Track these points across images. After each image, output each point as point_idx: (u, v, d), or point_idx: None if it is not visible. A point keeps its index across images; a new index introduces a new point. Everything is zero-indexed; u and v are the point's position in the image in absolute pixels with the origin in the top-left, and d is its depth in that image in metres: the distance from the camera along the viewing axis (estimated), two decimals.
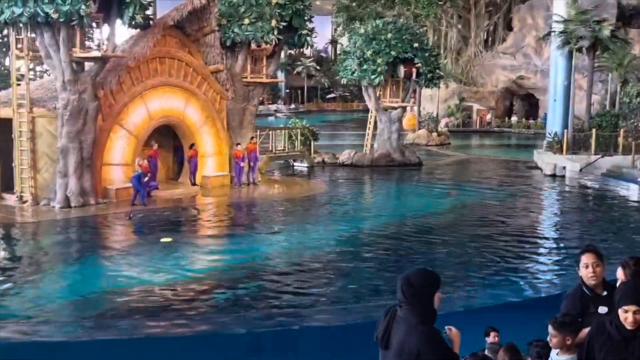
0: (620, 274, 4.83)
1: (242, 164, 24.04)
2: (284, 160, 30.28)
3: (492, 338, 7.39)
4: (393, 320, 4.16)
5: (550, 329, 4.82)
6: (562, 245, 16.39)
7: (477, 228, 17.91)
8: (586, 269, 4.91)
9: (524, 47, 54.65)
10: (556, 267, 14.15)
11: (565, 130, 30.98)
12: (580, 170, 27.68)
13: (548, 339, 4.90)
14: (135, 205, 19.57)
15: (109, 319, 10.74)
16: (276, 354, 9.58)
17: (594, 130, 30.11)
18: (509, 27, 57.90)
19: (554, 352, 4.89)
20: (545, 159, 29.67)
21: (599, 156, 28.57)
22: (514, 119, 55.45)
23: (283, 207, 21.08)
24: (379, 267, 13.93)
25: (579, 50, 31.19)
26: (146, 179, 20.19)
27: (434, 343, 4.00)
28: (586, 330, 4.57)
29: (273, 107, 75.39)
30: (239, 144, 24.09)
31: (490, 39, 59.73)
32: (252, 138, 24.95)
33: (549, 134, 32.59)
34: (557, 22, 32.49)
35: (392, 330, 4.13)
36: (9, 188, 20.09)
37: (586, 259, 4.94)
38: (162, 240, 15.40)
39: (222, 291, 12.21)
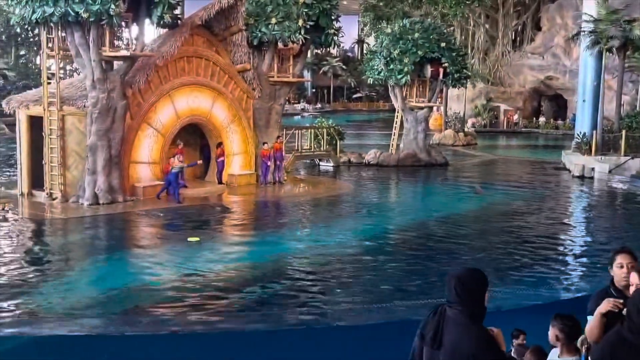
0: (634, 279, 4.70)
1: (268, 163, 24.14)
2: (310, 159, 30.32)
3: (519, 340, 7.34)
4: (443, 319, 4.12)
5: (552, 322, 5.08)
6: (590, 247, 16.20)
7: (504, 229, 17.77)
8: (620, 269, 4.83)
9: (552, 47, 54.06)
10: (585, 269, 14.00)
11: (594, 131, 30.60)
12: (610, 171, 27.31)
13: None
14: (161, 198, 19.86)
15: (135, 315, 10.85)
16: (300, 352, 9.61)
17: (623, 132, 29.69)
18: (537, 27, 57.29)
19: (555, 354, 4.88)
20: (573, 160, 29.33)
21: (629, 158, 28.16)
22: (541, 119, 54.88)
23: (308, 206, 21.12)
24: (406, 267, 13.89)
25: (609, 50, 30.77)
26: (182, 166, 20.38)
27: (489, 347, 4.00)
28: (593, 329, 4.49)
29: (299, 106, 75.51)
30: (265, 143, 24.17)
31: (518, 38, 59.15)
32: (278, 137, 25.03)
33: (578, 135, 32.22)
34: (586, 21, 32.09)
35: (444, 330, 4.09)
36: (39, 185, 20.40)
37: (621, 259, 4.86)
38: (190, 239, 15.51)
39: (248, 289, 12.26)
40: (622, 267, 4.81)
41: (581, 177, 27.40)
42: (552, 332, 5.07)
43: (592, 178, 27.19)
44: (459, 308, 4.05)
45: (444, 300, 4.16)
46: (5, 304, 11.05)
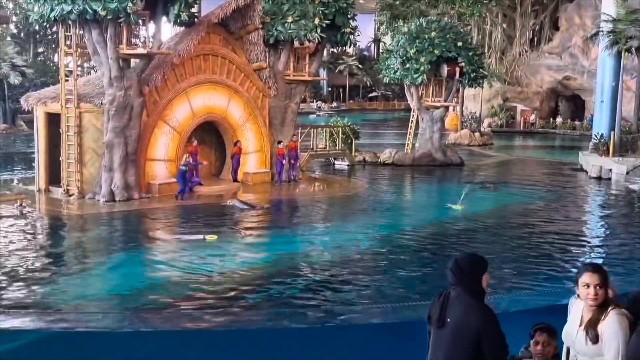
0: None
1: (283, 162, 24.18)
2: (325, 158, 30.31)
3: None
4: (447, 301, 4.52)
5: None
6: (606, 249, 16.06)
7: (520, 230, 17.67)
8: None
9: (570, 47, 53.65)
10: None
11: (612, 132, 30.34)
12: (627, 173, 27.05)
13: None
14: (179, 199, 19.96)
15: (149, 312, 10.91)
16: (312, 351, 9.61)
17: None
18: (555, 27, 56.88)
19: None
20: (590, 161, 29.09)
21: None
22: (558, 120, 54.50)
23: (322, 205, 21.12)
24: (420, 267, 13.85)
25: (628, 50, 30.50)
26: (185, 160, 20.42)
27: (493, 321, 4.34)
28: None
29: (315, 105, 75.54)
30: (280, 141, 24.20)
31: (535, 38, 58.75)
32: (293, 136, 25.04)
33: (595, 136, 31.96)
34: (605, 21, 31.83)
35: (448, 310, 4.47)
36: (56, 181, 20.56)
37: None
38: (207, 238, 15.49)
39: (261, 288, 12.28)
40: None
41: (598, 179, 27.17)
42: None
43: (609, 179, 26.96)
44: (459, 289, 4.45)
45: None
46: (20, 299, 11.15)
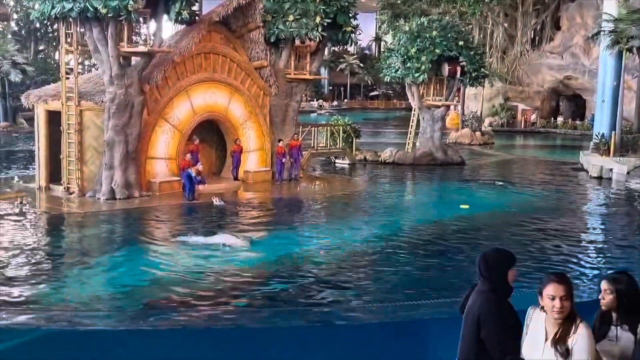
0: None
1: (283, 160, 24.17)
2: (326, 157, 30.31)
3: None
4: (472, 291, 4.80)
5: None
6: (605, 250, 16.04)
7: (519, 229, 17.64)
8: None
9: (572, 47, 53.64)
10: (597, 272, 13.85)
11: (613, 132, 30.32)
12: (628, 173, 27.03)
13: None
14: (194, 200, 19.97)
15: (150, 310, 10.91)
16: (311, 350, 9.60)
17: None
18: (556, 26, 56.88)
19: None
20: (591, 161, 29.07)
21: None
22: (559, 119, 54.51)
23: (324, 204, 21.11)
24: (420, 266, 13.84)
25: (629, 50, 30.47)
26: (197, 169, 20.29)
27: (495, 309, 4.45)
28: None
29: (316, 103, 75.53)
30: (281, 140, 24.20)
31: (537, 37, 58.78)
32: (295, 134, 25.03)
33: (596, 136, 31.94)
34: (606, 21, 31.80)
35: (470, 299, 4.74)
36: (57, 179, 20.56)
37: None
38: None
39: (262, 286, 12.28)
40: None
41: (599, 178, 27.17)
42: None
43: (610, 179, 26.96)
44: (484, 282, 4.65)
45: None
46: (21, 297, 11.15)
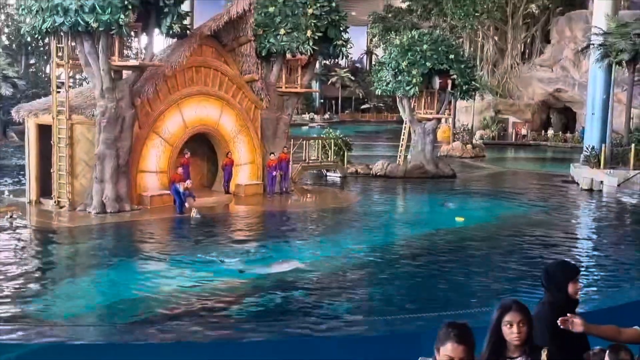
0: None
1: (274, 173, 24.16)
2: (317, 170, 30.32)
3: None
4: None
5: None
6: (595, 262, 16.07)
7: (510, 242, 17.66)
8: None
9: (561, 60, 54.04)
10: (584, 284, 13.87)
11: (603, 145, 30.46)
12: (618, 185, 27.18)
13: None
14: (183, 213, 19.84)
15: (140, 324, 10.83)
16: None
17: (632, 145, 29.55)
18: (546, 40, 57.33)
19: None
20: (582, 173, 29.20)
21: (638, 172, 28.01)
22: (550, 132, 54.78)
23: (315, 217, 21.08)
24: (410, 279, 13.82)
25: (619, 63, 30.68)
26: (185, 186, 20.18)
27: (541, 319, 4.41)
28: None
29: (307, 117, 75.65)
30: (272, 153, 24.19)
31: (527, 51, 59.22)
32: (284, 147, 25.04)
33: (587, 148, 32.08)
34: (596, 34, 32.04)
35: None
36: (47, 193, 20.47)
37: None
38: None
39: (254, 299, 12.22)
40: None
41: (590, 191, 27.29)
42: None
43: (600, 191, 27.08)
44: (545, 292, 4.71)
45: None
46: (10, 312, 11.06)
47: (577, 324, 4.35)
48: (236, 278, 13.63)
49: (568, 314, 4.40)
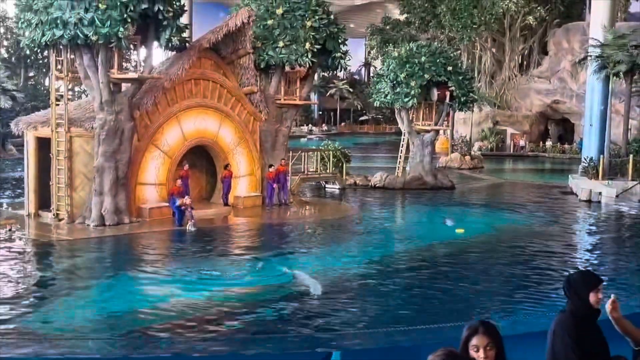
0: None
1: (273, 185, 24.18)
2: (316, 182, 30.33)
3: None
4: None
5: None
6: (597, 271, 16.04)
7: (509, 254, 17.66)
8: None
9: (559, 71, 54.20)
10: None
11: (602, 156, 30.54)
12: (617, 196, 27.21)
13: None
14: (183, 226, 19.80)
15: (139, 337, 10.80)
16: None
17: (630, 156, 29.63)
18: (544, 51, 57.52)
19: None
20: (580, 185, 29.24)
21: (636, 182, 28.06)
22: (548, 143, 54.88)
23: (314, 229, 21.07)
24: (409, 292, 13.80)
25: (616, 74, 30.81)
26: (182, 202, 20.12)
27: (566, 327, 4.59)
28: None
29: (306, 128, 75.77)
30: (271, 165, 24.22)
31: (525, 62, 59.41)
32: (282, 159, 25.06)
33: (585, 159, 32.16)
34: (593, 46, 32.19)
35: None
36: (46, 206, 20.46)
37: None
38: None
39: (252, 313, 12.20)
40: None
41: (588, 202, 27.31)
42: None
43: (599, 202, 27.09)
44: (567, 301, 4.78)
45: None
46: (8, 325, 11.02)
47: (614, 309, 4.81)
48: (234, 290, 13.60)
49: (613, 297, 4.84)
